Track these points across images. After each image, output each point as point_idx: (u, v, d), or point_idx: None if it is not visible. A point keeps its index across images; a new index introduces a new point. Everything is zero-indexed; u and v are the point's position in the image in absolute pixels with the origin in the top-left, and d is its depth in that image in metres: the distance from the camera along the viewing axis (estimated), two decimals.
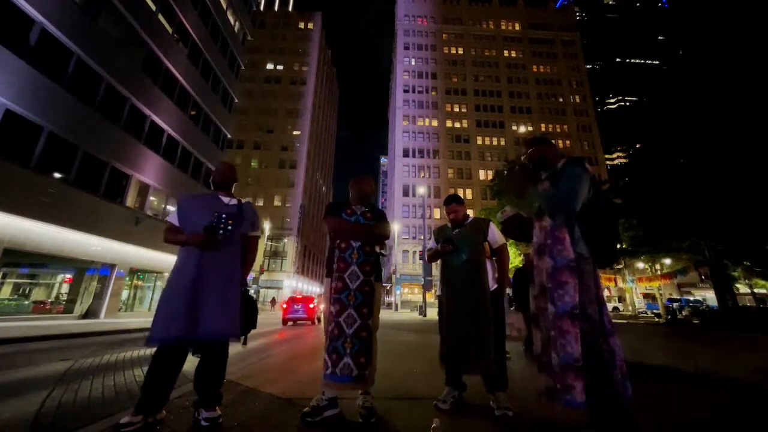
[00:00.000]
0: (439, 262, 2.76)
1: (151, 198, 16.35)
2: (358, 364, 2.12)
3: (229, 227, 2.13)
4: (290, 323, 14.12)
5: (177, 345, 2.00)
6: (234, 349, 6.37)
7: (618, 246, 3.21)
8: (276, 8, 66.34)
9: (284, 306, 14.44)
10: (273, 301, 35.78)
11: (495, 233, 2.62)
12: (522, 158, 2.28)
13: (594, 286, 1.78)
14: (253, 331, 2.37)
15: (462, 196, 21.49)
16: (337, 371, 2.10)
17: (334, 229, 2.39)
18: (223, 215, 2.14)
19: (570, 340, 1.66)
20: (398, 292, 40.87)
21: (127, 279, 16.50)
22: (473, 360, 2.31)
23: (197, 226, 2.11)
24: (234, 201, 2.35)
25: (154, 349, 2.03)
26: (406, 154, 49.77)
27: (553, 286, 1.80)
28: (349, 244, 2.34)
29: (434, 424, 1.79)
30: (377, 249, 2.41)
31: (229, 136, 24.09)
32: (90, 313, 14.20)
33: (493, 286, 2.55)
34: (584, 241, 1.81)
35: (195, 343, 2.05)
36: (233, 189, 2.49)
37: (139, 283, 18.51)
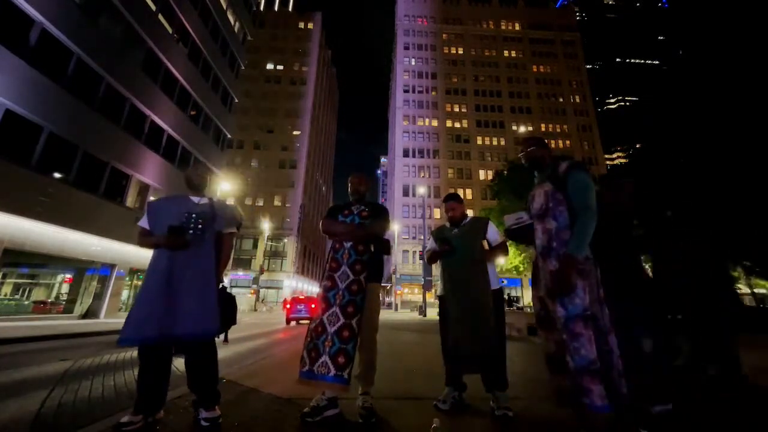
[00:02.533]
0: (439, 262, 2.76)
1: (151, 198, 16.35)
2: (337, 364, 2.06)
3: (199, 226, 2.14)
4: (293, 323, 14.55)
5: (156, 345, 1.98)
6: (234, 349, 6.37)
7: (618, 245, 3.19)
8: (276, 8, 66.23)
9: (288, 306, 14.95)
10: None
11: (494, 232, 2.63)
12: (519, 156, 2.26)
13: (596, 285, 1.79)
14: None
15: (462, 196, 21.48)
16: (314, 369, 2.09)
17: (324, 231, 2.46)
18: (193, 215, 2.15)
19: (584, 343, 1.65)
20: (398, 292, 40.84)
21: (127, 279, 16.52)
22: (474, 359, 2.31)
23: (167, 228, 2.11)
24: (205, 200, 2.33)
25: None
26: (406, 154, 49.74)
27: None
28: (342, 245, 2.37)
29: (434, 424, 1.80)
30: (372, 248, 2.41)
31: (229, 135, 24.10)
32: (90, 313, 14.22)
33: (494, 285, 2.54)
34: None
35: (176, 343, 2.04)
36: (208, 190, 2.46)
37: (139, 283, 18.48)
